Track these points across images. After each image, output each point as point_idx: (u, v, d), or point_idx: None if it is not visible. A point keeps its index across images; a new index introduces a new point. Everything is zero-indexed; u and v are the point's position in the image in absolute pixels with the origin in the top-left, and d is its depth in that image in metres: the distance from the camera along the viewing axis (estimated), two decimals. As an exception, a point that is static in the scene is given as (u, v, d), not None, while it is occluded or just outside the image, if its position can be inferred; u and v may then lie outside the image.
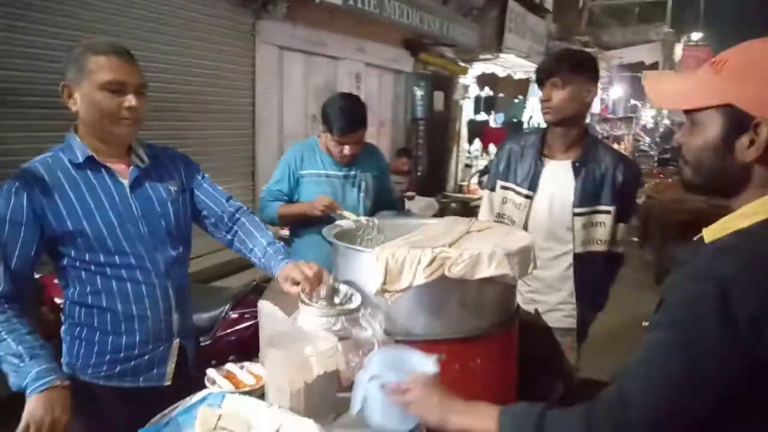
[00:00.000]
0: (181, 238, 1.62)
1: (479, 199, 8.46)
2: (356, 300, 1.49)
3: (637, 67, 21.51)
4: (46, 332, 1.55)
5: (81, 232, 1.44)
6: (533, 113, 14.09)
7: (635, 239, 6.45)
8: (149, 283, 1.53)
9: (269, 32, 5.87)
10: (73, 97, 1.45)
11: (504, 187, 2.25)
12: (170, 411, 1.24)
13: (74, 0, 4.01)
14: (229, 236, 1.71)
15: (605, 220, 2.11)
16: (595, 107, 20.42)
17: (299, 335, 1.35)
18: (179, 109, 4.88)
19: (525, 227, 2.13)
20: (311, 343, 1.30)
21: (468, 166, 10.78)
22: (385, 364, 1.18)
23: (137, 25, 4.46)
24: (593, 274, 2.15)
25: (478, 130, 11.44)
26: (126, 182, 1.52)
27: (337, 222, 2.14)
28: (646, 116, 29.08)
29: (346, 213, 2.34)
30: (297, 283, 1.48)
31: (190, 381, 1.44)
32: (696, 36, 25.72)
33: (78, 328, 1.52)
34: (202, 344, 2.22)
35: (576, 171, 2.11)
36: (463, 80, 10.68)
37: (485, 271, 1.50)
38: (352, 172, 2.55)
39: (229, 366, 1.41)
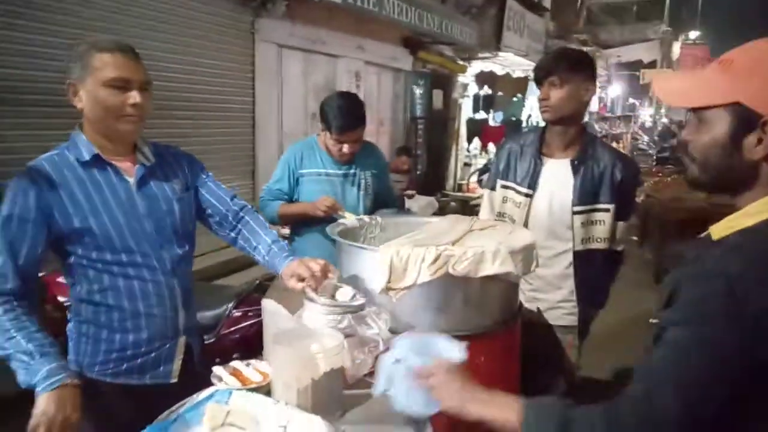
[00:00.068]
0: (186, 236, 1.63)
1: (478, 197, 8.50)
2: (360, 299, 1.50)
3: (636, 65, 21.58)
4: (50, 330, 1.55)
5: (88, 230, 1.45)
6: (532, 112, 14.10)
7: (634, 238, 6.47)
8: (156, 281, 1.54)
9: (268, 30, 5.87)
10: (78, 94, 1.46)
11: (504, 186, 2.26)
12: (177, 408, 1.25)
13: (74, -2, 4.01)
14: (233, 234, 1.72)
15: (604, 218, 2.13)
16: (594, 106, 20.46)
17: (305, 333, 1.36)
18: (178, 108, 4.88)
19: (525, 226, 2.14)
20: (317, 341, 1.31)
21: (467, 164, 10.80)
22: (411, 347, 1.18)
23: (136, 23, 4.46)
24: (593, 272, 2.17)
25: (477, 128, 11.45)
26: (132, 180, 1.53)
27: (341, 220, 2.15)
28: (645, 115, 29.11)
29: (347, 214, 2.35)
30: (302, 280, 1.49)
31: (196, 378, 1.45)
32: (694, 34, 25.72)
33: (85, 326, 1.53)
34: (205, 342, 2.23)
35: (575, 169, 2.12)
36: (462, 79, 10.69)
37: (489, 269, 1.51)
38: (352, 171, 2.56)
39: (235, 363, 1.42)
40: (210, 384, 1.32)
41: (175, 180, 1.62)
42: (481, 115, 12.15)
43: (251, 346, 2.49)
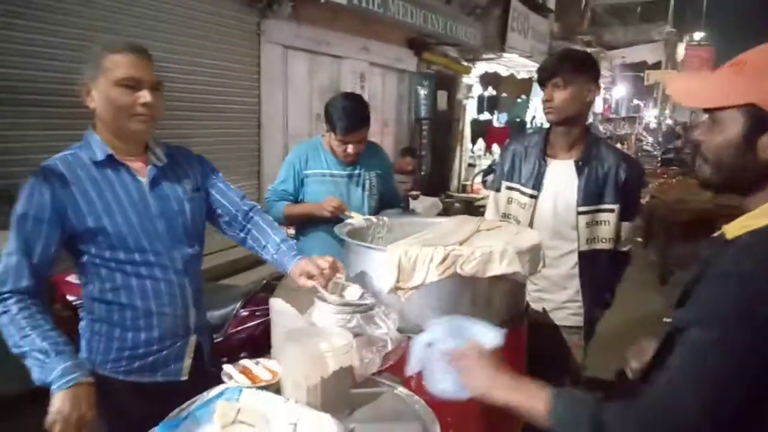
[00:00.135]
0: (197, 236, 1.65)
1: (482, 198, 8.50)
2: (369, 298, 1.51)
3: (640, 66, 21.54)
4: (60, 329, 1.57)
5: (102, 229, 1.47)
6: (536, 113, 14.09)
7: (639, 239, 6.46)
8: (168, 280, 1.55)
9: (274, 31, 5.89)
10: (91, 94, 1.48)
11: (509, 188, 2.27)
12: (188, 405, 1.26)
13: (76, -2, 4.01)
14: (242, 234, 1.74)
15: (609, 218, 2.13)
16: (598, 107, 20.42)
17: (314, 332, 1.37)
18: (184, 108, 4.90)
19: (530, 226, 2.15)
20: (326, 340, 1.32)
21: (471, 165, 10.81)
22: (444, 330, 1.18)
23: (138, 23, 4.45)
24: (599, 272, 2.17)
25: (481, 129, 11.45)
26: (144, 181, 1.55)
27: (349, 220, 2.16)
28: (649, 116, 29.05)
29: (354, 214, 2.36)
30: (312, 277, 1.51)
31: (206, 376, 1.47)
32: (698, 35, 25.68)
33: (98, 324, 1.55)
34: (213, 341, 2.24)
35: (579, 170, 2.13)
36: (466, 80, 10.69)
37: (496, 269, 1.52)
38: (357, 172, 2.57)
39: (245, 361, 1.43)
40: (220, 382, 1.33)
41: (186, 180, 1.63)
42: (485, 116, 12.14)
43: (258, 345, 2.50)
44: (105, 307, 1.53)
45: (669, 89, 1.04)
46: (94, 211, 1.46)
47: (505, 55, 10.43)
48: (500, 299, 1.71)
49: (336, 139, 2.45)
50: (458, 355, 1.12)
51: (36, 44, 3.76)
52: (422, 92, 9.22)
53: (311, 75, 6.67)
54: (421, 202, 6.50)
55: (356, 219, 2.24)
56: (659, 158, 13.78)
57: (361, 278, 1.67)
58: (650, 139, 19.52)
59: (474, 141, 11.25)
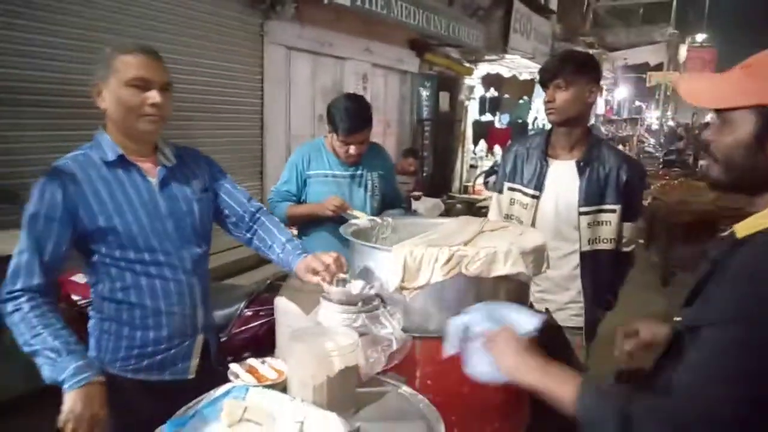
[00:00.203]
0: (205, 236, 1.66)
1: (484, 199, 8.49)
2: (370, 290, 1.51)
3: (642, 68, 21.52)
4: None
5: (112, 229, 1.48)
6: (538, 114, 14.08)
7: (641, 241, 6.46)
8: (177, 280, 1.57)
9: (277, 32, 5.91)
10: (102, 95, 1.49)
11: (511, 189, 2.28)
12: (195, 404, 1.27)
13: (76, -2, 4.01)
14: (248, 235, 1.76)
15: (611, 218, 2.14)
16: (600, 108, 20.41)
17: (320, 331, 1.38)
18: (188, 109, 4.91)
19: (532, 227, 2.15)
20: (332, 339, 1.33)
21: (473, 166, 10.83)
22: (482, 314, 1.19)
23: (138, 24, 4.46)
24: (601, 273, 2.18)
25: (483, 130, 11.45)
26: (154, 181, 1.56)
27: (353, 221, 2.17)
28: (651, 117, 29.02)
29: (356, 212, 2.37)
30: (317, 273, 1.52)
31: (212, 375, 1.48)
32: (700, 37, 25.65)
33: (107, 323, 1.56)
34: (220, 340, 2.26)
35: (580, 170, 2.14)
36: (468, 81, 10.70)
37: (501, 270, 1.52)
38: (359, 172, 2.58)
39: (251, 361, 1.44)
40: (226, 380, 1.34)
41: (194, 181, 1.65)
42: (487, 117, 12.15)
43: (262, 345, 2.52)
44: (114, 306, 1.55)
45: (679, 89, 1.04)
46: (105, 210, 1.48)
47: (507, 56, 10.45)
48: (504, 299, 1.71)
49: (338, 140, 2.47)
50: (491, 337, 1.13)
51: (36, 44, 3.76)
52: (424, 93, 9.24)
53: (314, 76, 6.69)
54: (423, 203, 6.51)
55: (359, 216, 2.25)
56: (661, 160, 13.79)
57: (365, 278, 1.67)
58: (652, 141, 19.51)
59: (476, 142, 11.26)
